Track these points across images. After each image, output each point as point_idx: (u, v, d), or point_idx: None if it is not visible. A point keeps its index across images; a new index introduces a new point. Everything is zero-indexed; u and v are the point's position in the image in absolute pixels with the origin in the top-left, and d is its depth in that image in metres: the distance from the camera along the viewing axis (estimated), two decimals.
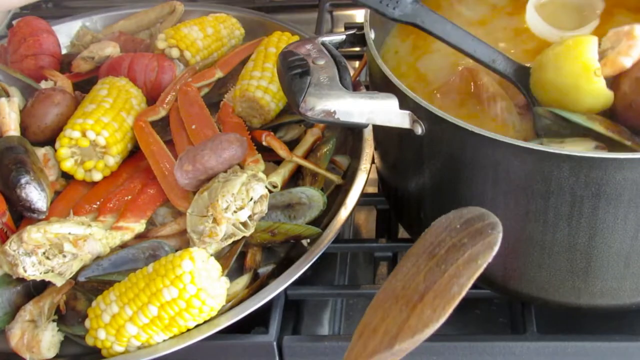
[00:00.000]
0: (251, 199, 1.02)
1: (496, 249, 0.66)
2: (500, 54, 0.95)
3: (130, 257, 1.04)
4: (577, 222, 0.82)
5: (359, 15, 1.62)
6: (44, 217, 1.06)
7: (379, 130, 1.04)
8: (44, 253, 0.99)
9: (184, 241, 1.06)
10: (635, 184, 0.78)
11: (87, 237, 1.02)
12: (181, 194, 1.09)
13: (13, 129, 1.17)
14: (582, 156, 0.77)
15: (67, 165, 1.14)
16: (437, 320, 0.58)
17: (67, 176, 1.16)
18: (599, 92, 0.88)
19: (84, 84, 1.32)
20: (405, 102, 0.84)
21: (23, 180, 1.05)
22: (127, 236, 1.07)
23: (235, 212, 1.01)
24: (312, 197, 1.09)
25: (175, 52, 1.32)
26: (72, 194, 1.14)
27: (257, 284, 1.01)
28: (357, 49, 1.03)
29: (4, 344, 0.98)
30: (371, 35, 0.95)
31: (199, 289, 0.92)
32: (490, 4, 1.13)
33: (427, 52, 1.06)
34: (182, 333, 0.95)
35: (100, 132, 1.14)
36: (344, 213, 1.06)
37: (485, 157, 0.83)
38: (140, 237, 1.08)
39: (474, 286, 0.99)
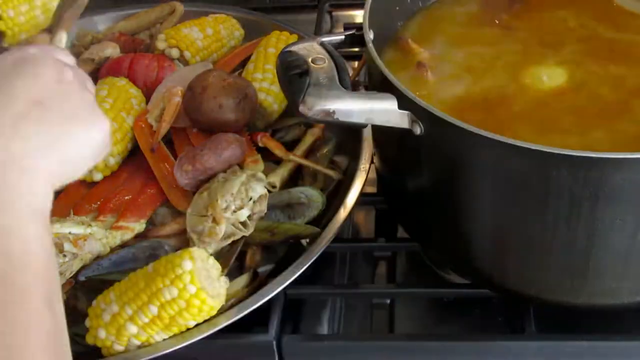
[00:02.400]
0: (250, 198, 1.02)
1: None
2: None
3: (130, 257, 1.04)
4: (576, 222, 0.82)
5: (358, 15, 1.62)
6: None
7: (378, 131, 1.04)
8: None
9: (183, 241, 1.06)
10: (634, 184, 0.78)
11: (87, 236, 1.02)
12: (181, 194, 1.09)
13: None
14: (581, 156, 0.77)
15: None
16: None
17: None
18: None
19: None
20: (404, 102, 0.85)
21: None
22: (127, 236, 1.07)
23: (234, 211, 1.01)
24: (312, 197, 1.09)
25: (175, 53, 1.33)
26: (72, 194, 1.15)
27: (257, 284, 1.02)
28: (356, 49, 1.03)
29: None
30: (370, 35, 0.95)
31: (198, 289, 0.92)
32: None
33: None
34: (182, 332, 0.95)
35: None
36: (343, 213, 1.06)
37: (484, 157, 0.83)
38: (140, 236, 1.08)
39: (473, 285, 1.01)
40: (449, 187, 0.89)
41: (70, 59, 0.86)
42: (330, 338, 1.01)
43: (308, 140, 1.20)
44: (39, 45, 0.91)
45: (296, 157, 1.16)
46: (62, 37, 1.17)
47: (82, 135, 0.78)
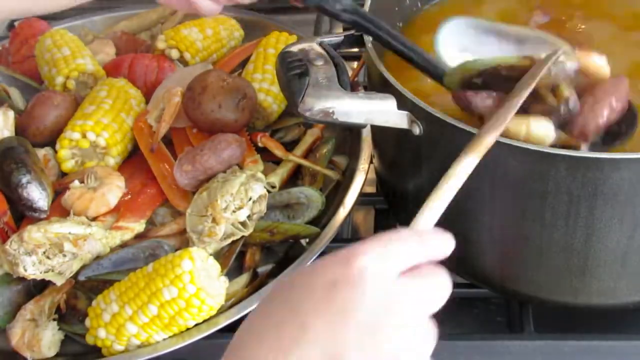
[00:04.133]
0: (250, 198, 1.03)
1: None
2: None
3: (130, 257, 1.04)
4: (574, 222, 0.83)
5: None
6: (45, 216, 1.06)
7: (377, 131, 1.04)
8: (44, 252, 0.99)
9: (183, 241, 1.07)
10: (632, 184, 0.78)
11: (87, 236, 1.02)
12: (180, 194, 1.10)
13: None
14: (579, 156, 0.78)
15: (68, 166, 1.14)
16: None
17: None
18: None
19: None
20: (403, 103, 0.85)
21: (24, 180, 1.06)
22: (127, 236, 1.07)
23: (234, 211, 1.02)
24: (311, 197, 1.10)
25: (175, 53, 1.33)
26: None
27: (257, 283, 1.02)
28: (356, 49, 1.03)
29: (5, 343, 0.99)
30: (369, 36, 0.95)
31: (198, 289, 0.92)
32: None
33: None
34: (182, 332, 0.95)
35: (100, 133, 1.14)
36: (342, 213, 1.07)
37: (483, 157, 0.83)
38: (140, 236, 1.09)
39: (472, 285, 1.01)
40: None
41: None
42: None
43: (307, 140, 1.20)
44: (383, 243, 0.63)
45: (295, 157, 1.16)
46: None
47: None
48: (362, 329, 0.58)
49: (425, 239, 0.66)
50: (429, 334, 0.62)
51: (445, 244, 0.66)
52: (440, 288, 0.64)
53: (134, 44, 1.40)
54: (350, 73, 1.00)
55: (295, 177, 1.18)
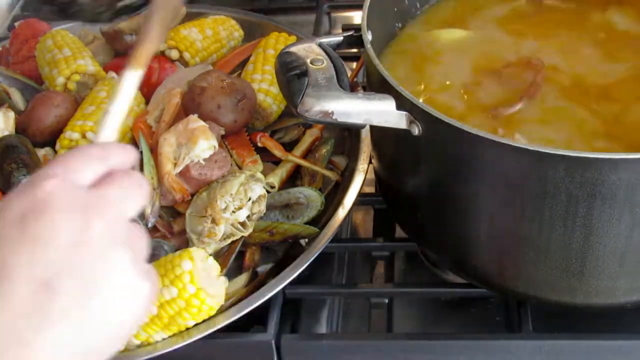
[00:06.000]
0: (249, 199, 1.03)
1: None
2: None
3: None
4: (573, 222, 0.83)
5: (356, 16, 1.63)
6: None
7: (376, 131, 1.05)
8: None
9: (183, 241, 1.07)
10: (630, 184, 0.78)
11: None
12: None
13: None
14: (578, 156, 0.78)
15: None
16: None
17: None
18: None
19: None
20: (402, 103, 0.85)
21: (24, 181, 1.05)
22: None
23: (233, 212, 1.02)
24: (310, 197, 1.10)
25: (174, 54, 1.33)
26: None
27: (256, 283, 1.02)
28: (355, 50, 1.03)
29: None
30: (368, 36, 0.95)
31: (198, 289, 0.93)
32: None
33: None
34: (181, 332, 0.96)
35: None
36: (341, 213, 1.07)
37: (481, 157, 0.83)
38: None
39: (470, 285, 1.01)
40: (446, 187, 0.90)
41: (120, 158, 0.67)
42: (328, 337, 1.01)
43: (307, 140, 1.21)
44: (63, 163, 0.63)
45: (295, 157, 1.16)
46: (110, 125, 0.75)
47: (108, 317, 0.60)
48: (64, 252, 0.58)
49: (106, 148, 0.67)
50: (135, 236, 0.64)
51: (126, 152, 0.68)
52: (134, 186, 0.65)
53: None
54: (349, 73, 1.00)
55: (295, 177, 1.18)
